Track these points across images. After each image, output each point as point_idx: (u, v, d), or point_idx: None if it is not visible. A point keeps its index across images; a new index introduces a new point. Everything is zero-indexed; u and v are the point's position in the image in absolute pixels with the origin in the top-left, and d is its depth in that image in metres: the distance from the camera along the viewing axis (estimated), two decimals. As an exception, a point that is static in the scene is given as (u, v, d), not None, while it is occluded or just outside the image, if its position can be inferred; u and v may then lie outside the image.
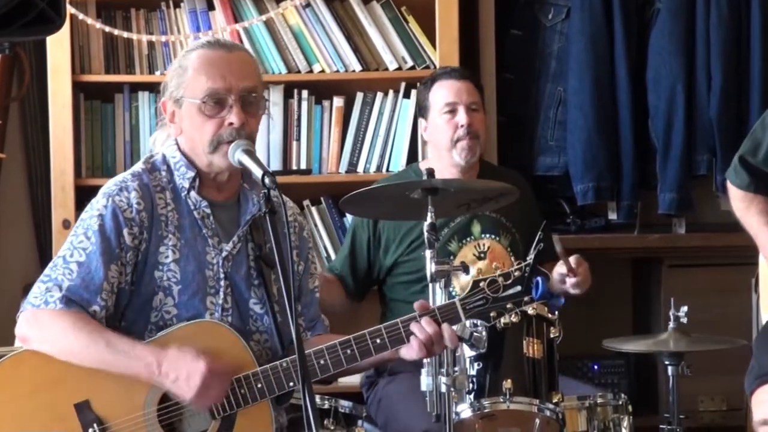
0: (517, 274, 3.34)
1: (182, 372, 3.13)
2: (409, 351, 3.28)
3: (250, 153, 3.18)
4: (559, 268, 4.21)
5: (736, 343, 4.32)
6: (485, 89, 5.15)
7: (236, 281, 3.31)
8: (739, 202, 4.14)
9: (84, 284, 3.19)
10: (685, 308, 4.18)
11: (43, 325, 3.18)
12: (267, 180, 3.04)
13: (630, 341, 4.40)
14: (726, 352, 4.48)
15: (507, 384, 3.76)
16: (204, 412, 3.19)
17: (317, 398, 3.81)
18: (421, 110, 4.57)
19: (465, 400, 3.79)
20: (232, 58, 3.29)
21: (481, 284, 3.33)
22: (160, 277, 3.25)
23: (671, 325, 4.19)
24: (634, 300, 5.73)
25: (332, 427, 3.86)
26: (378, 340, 3.25)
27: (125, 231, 3.23)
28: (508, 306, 3.33)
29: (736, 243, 4.73)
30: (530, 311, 3.87)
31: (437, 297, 3.45)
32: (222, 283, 3.29)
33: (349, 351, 3.23)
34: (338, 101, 5.12)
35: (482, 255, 4.43)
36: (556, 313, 4.04)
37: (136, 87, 5.03)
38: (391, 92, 5.11)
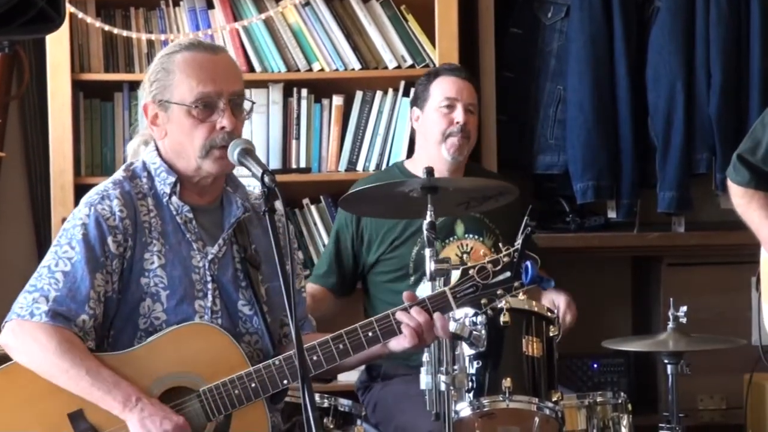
0: (506, 260, 3.32)
1: (159, 413, 3.11)
2: (400, 342, 3.26)
3: (250, 152, 3.17)
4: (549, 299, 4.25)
5: (735, 341, 4.32)
6: (485, 88, 5.17)
7: (223, 283, 3.29)
8: (740, 198, 4.15)
9: (71, 294, 3.16)
10: (684, 308, 4.18)
11: (26, 339, 3.15)
12: (267, 178, 3.03)
13: (629, 341, 4.40)
14: (725, 351, 4.49)
15: (506, 382, 3.76)
16: None
17: (316, 397, 3.81)
18: (417, 100, 4.55)
19: (464, 398, 3.79)
20: (218, 61, 3.26)
21: (471, 272, 3.31)
22: (146, 283, 3.23)
23: (670, 324, 4.19)
24: (633, 298, 5.73)
25: (332, 426, 3.86)
26: (370, 333, 3.23)
27: (109, 239, 3.20)
28: (499, 292, 3.32)
29: (736, 241, 4.73)
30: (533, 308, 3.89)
31: (425, 293, 3.42)
32: (209, 286, 3.27)
33: (341, 345, 3.22)
34: (338, 100, 5.12)
35: (465, 255, 4.42)
36: (556, 311, 4.05)
37: (135, 85, 5.02)
38: (390, 91, 5.11)
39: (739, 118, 5.19)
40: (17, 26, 2.69)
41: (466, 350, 3.82)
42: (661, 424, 4.27)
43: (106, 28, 4.93)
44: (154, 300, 3.22)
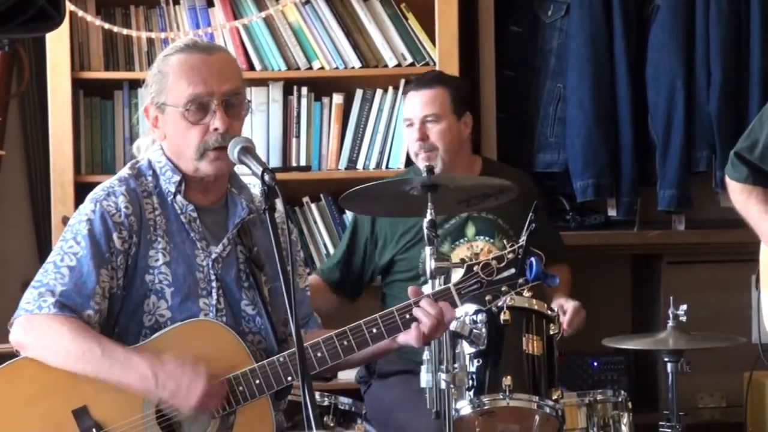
0: (510, 256, 3.32)
1: (182, 385, 3.11)
2: (408, 337, 3.26)
3: (250, 150, 3.17)
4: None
5: (735, 340, 4.32)
6: (485, 86, 5.17)
7: (227, 282, 3.30)
8: (738, 194, 4.14)
9: (76, 289, 3.17)
10: (684, 306, 4.18)
11: (39, 331, 3.15)
12: (267, 177, 3.04)
13: (629, 339, 4.40)
14: (725, 349, 4.49)
15: (507, 381, 3.76)
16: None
17: (317, 395, 3.81)
18: None
19: (464, 397, 3.79)
20: (211, 61, 3.26)
21: (475, 268, 3.31)
22: (151, 280, 3.23)
23: (671, 322, 4.19)
24: (633, 296, 5.73)
25: (332, 424, 3.86)
26: (374, 330, 3.23)
27: (115, 235, 3.21)
28: (503, 288, 3.32)
29: (736, 240, 4.73)
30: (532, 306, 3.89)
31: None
32: (214, 284, 3.28)
33: (345, 342, 3.22)
34: (338, 98, 5.12)
35: (475, 257, 4.41)
36: (556, 310, 4.05)
37: (135, 84, 5.03)
38: (390, 89, 5.11)
39: (739, 117, 5.19)
40: (17, 25, 2.69)
41: (467, 348, 3.82)
42: (661, 423, 4.27)
43: (106, 26, 4.93)
44: (159, 297, 3.23)
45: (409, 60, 5.08)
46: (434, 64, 4.98)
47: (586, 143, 5.24)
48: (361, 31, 5.11)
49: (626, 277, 5.76)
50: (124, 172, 3.33)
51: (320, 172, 5.11)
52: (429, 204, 3.62)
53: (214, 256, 3.29)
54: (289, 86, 5.11)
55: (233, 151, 3.17)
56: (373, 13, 5.11)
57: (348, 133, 5.11)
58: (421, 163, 4.42)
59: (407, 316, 3.25)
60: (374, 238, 4.51)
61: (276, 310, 3.33)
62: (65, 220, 4.79)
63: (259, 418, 3.21)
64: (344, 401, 4.01)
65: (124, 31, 4.95)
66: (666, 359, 4.22)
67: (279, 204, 3.11)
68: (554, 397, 3.82)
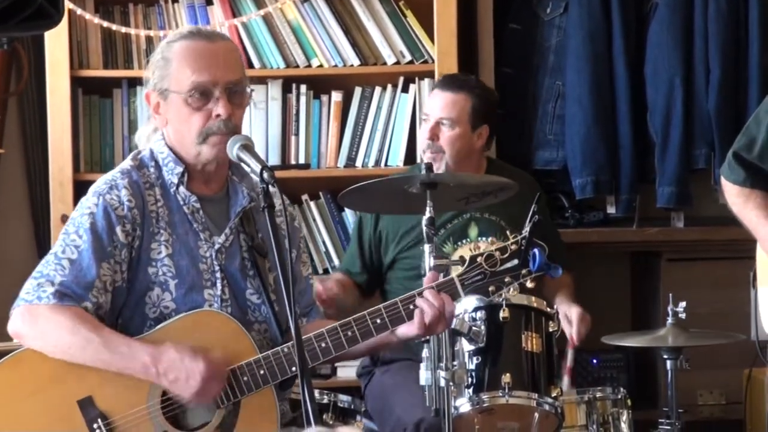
0: (513, 247, 3.32)
1: (181, 372, 3.13)
2: (409, 329, 3.26)
3: (249, 148, 3.18)
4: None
5: (734, 337, 4.33)
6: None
7: (231, 272, 3.31)
8: (736, 197, 4.11)
9: (76, 280, 3.18)
10: (683, 303, 4.18)
11: (38, 321, 3.16)
12: (266, 175, 3.05)
13: (628, 337, 4.40)
14: (725, 346, 4.49)
15: (506, 378, 3.77)
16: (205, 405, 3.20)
17: (316, 393, 3.81)
18: None
19: (464, 394, 3.80)
20: (216, 49, 3.28)
21: (479, 259, 3.31)
22: (154, 272, 3.24)
23: (670, 320, 4.20)
24: (632, 294, 5.73)
25: (331, 422, 3.87)
26: (378, 320, 3.24)
27: (118, 229, 3.22)
28: (507, 280, 3.32)
29: (735, 237, 4.72)
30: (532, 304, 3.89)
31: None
32: (218, 275, 3.28)
33: (350, 332, 3.22)
34: (336, 96, 5.12)
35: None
36: (555, 307, 4.05)
37: (134, 82, 5.03)
38: (389, 87, 5.10)
39: (738, 114, 5.19)
40: (16, 23, 2.70)
41: (466, 346, 3.82)
42: (660, 420, 4.28)
43: (105, 24, 4.93)
44: (163, 289, 3.24)
45: (408, 58, 5.07)
46: (433, 61, 4.98)
47: (585, 140, 5.24)
48: (360, 29, 5.10)
49: (625, 274, 5.76)
50: (127, 163, 3.34)
51: (319, 169, 5.11)
52: (428, 201, 3.62)
53: (217, 246, 3.29)
54: (288, 84, 5.11)
55: (232, 148, 3.18)
56: (371, 11, 5.11)
57: (347, 131, 5.11)
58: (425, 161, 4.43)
59: (411, 307, 3.25)
60: (377, 236, 4.51)
61: (280, 299, 3.32)
62: (64, 218, 4.80)
63: (264, 408, 3.21)
64: (343, 399, 4.02)
65: (123, 30, 4.95)
66: (665, 356, 4.22)
67: (277, 200, 3.12)
68: (553, 395, 3.82)
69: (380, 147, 5.10)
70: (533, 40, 5.42)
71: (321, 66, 5.07)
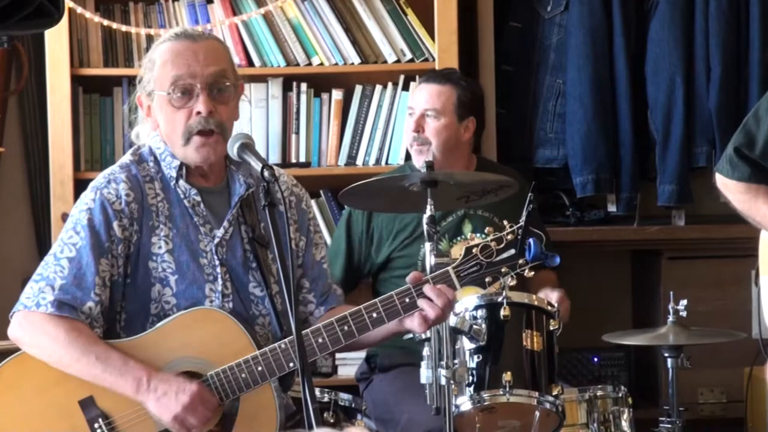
0: (509, 237, 3.32)
1: (172, 387, 3.13)
2: (412, 325, 3.26)
3: (249, 146, 3.17)
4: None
5: (735, 335, 4.32)
6: (484, 82, 5.16)
7: (233, 266, 3.30)
8: (742, 194, 4.04)
9: (76, 281, 3.18)
10: (684, 301, 4.18)
11: (35, 331, 3.18)
12: (266, 173, 3.04)
13: (629, 335, 4.40)
14: (726, 345, 4.49)
15: (507, 376, 3.76)
16: None
17: (317, 392, 3.80)
18: None
19: (465, 392, 3.79)
20: (197, 48, 3.28)
21: (474, 250, 3.31)
22: (154, 268, 3.25)
23: (671, 318, 4.19)
24: (633, 292, 5.73)
25: (332, 421, 3.86)
26: (374, 314, 3.24)
27: (115, 223, 3.22)
28: (503, 270, 3.31)
29: (736, 235, 4.73)
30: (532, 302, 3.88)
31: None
32: (218, 269, 3.28)
33: (346, 327, 3.22)
34: (337, 94, 5.11)
35: None
36: (556, 305, 4.05)
37: (134, 80, 4.98)
38: (390, 85, 5.10)
39: (739, 111, 5.17)
40: (16, 21, 2.69)
41: (467, 344, 3.82)
42: (661, 418, 4.27)
43: (105, 22, 4.92)
44: (163, 285, 3.24)
45: (409, 56, 5.07)
46: (433, 60, 4.98)
47: (586, 138, 5.24)
48: (360, 27, 5.10)
49: (626, 272, 5.75)
50: (126, 158, 3.35)
51: (320, 168, 5.11)
52: (429, 200, 3.62)
53: (216, 240, 3.28)
54: (288, 82, 5.10)
55: (233, 147, 3.18)
56: (372, 9, 5.11)
57: (347, 129, 5.11)
58: (415, 156, 4.44)
59: (407, 300, 3.25)
60: (370, 235, 4.50)
61: (283, 291, 3.31)
62: (64, 217, 4.79)
63: (263, 404, 3.22)
64: (344, 397, 4.01)
65: (123, 28, 4.94)
66: (666, 355, 4.22)
67: (281, 175, 3.12)
68: (554, 393, 3.82)
69: (381, 145, 5.09)
70: (534, 37, 5.42)
71: (321, 64, 5.06)
